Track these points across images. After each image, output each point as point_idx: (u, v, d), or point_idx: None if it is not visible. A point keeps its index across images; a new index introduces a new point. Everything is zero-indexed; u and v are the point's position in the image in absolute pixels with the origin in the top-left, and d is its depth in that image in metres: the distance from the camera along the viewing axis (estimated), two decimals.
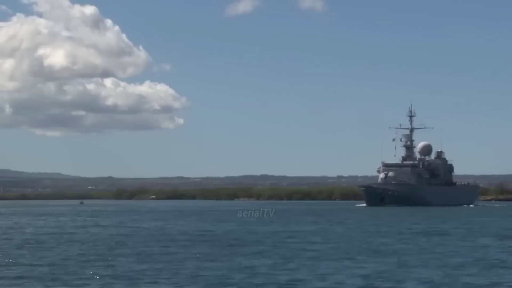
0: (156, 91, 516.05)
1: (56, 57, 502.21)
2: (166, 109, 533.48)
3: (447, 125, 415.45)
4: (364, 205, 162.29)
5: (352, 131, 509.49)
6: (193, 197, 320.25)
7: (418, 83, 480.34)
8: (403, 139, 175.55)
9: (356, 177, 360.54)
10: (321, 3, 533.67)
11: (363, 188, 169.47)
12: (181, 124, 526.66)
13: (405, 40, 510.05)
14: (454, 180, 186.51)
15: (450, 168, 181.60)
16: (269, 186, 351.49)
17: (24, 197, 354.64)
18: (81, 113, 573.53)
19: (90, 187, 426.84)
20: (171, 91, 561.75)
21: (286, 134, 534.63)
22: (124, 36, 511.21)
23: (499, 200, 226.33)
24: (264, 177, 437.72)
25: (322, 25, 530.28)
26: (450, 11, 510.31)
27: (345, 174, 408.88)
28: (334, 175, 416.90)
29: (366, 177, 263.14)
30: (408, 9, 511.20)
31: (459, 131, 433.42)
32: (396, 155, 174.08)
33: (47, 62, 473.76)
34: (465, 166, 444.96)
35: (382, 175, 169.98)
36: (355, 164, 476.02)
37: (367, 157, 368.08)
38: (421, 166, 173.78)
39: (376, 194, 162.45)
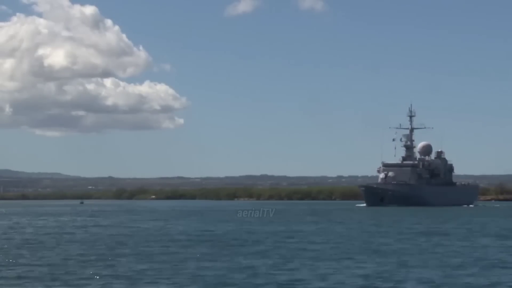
0: (156, 91, 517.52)
1: (56, 57, 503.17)
2: (166, 109, 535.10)
3: (448, 125, 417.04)
4: (364, 205, 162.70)
5: (352, 131, 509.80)
6: (193, 197, 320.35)
7: (418, 83, 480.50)
8: (403, 139, 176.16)
9: (356, 177, 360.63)
10: (321, 3, 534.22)
11: (363, 188, 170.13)
12: (181, 124, 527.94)
13: (405, 40, 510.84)
14: (454, 180, 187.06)
15: (450, 168, 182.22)
16: (269, 186, 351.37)
17: (24, 197, 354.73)
18: (81, 113, 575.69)
19: (90, 187, 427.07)
20: (171, 91, 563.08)
21: (286, 134, 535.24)
22: (124, 36, 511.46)
23: (499, 200, 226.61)
24: (264, 177, 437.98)
25: (322, 26, 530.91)
26: (450, 11, 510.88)
27: (345, 174, 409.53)
28: (334, 175, 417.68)
29: (366, 177, 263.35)
30: (409, 9, 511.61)
31: (459, 131, 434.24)
32: (396, 155, 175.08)
33: (47, 62, 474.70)
34: (465, 166, 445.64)
35: (382, 175, 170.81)
36: (355, 164, 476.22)
37: (367, 157, 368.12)
38: (421, 166, 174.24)
39: (376, 194, 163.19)
